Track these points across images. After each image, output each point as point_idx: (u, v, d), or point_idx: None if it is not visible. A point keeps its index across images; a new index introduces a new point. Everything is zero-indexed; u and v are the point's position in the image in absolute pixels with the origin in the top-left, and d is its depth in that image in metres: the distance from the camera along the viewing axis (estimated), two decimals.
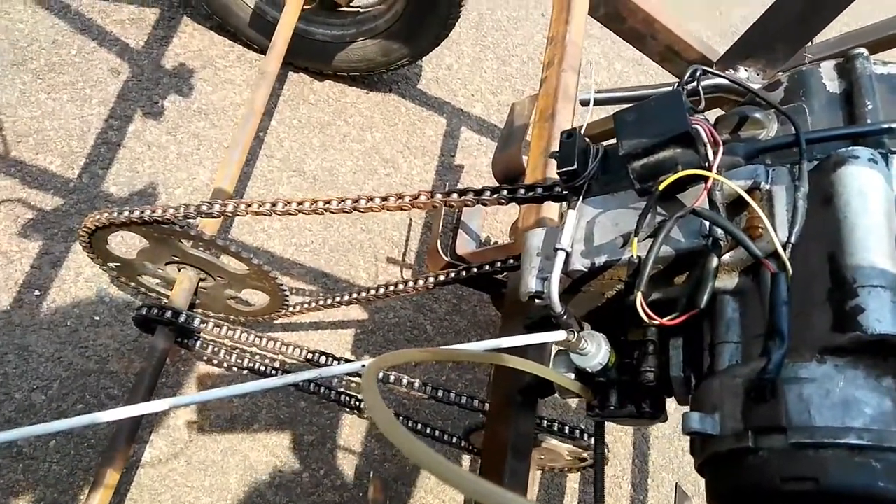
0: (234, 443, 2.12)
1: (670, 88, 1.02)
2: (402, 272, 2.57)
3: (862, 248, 0.75)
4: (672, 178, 0.86)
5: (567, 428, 1.85)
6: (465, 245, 2.57)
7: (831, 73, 0.95)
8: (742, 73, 1.11)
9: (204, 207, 1.46)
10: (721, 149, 0.85)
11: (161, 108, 2.48)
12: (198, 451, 2.08)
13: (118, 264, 1.84)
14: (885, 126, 0.82)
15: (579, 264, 0.98)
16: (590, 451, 1.99)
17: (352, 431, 2.26)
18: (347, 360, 1.71)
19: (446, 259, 2.18)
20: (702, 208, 0.84)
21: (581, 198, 1.03)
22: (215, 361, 1.80)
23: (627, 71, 3.63)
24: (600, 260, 0.97)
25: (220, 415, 2.15)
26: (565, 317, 1.00)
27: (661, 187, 0.87)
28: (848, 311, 0.73)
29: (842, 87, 0.93)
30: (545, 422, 1.84)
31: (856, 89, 0.90)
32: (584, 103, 1.18)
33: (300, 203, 1.33)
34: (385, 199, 1.29)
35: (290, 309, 1.87)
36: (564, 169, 1.02)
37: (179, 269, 1.77)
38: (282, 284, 1.74)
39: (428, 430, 2.04)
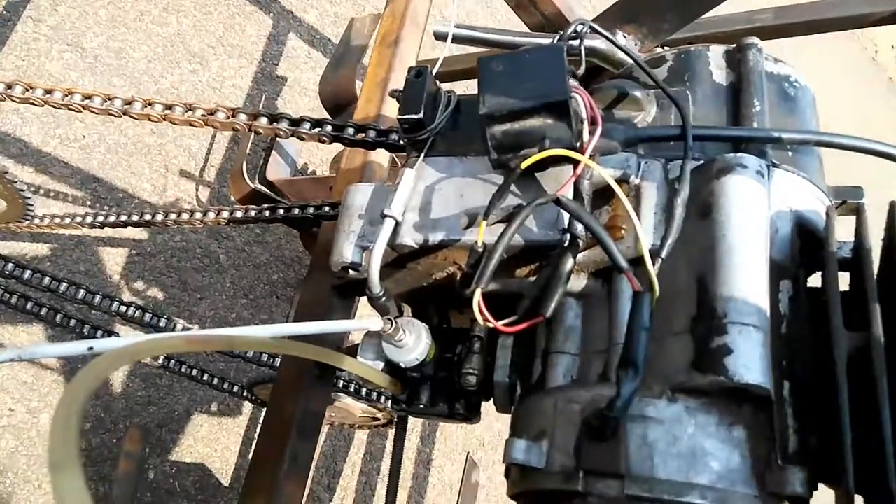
0: None
1: (549, 41, 0.85)
2: (197, 191, 2.21)
3: (737, 276, 0.64)
4: (538, 156, 0.69)
5: (364, 390, 1.70)
6: (277, 170, 2.27)
7: (720, 61, 0.83)
8: (619, 39, 0.97)
9: None
10: (599, 129, 0.70)
11: None
12: None
13: None
14: (776, 135, 0.72)
15: (409, 238, 0.79)
16: (383, 413, 1.88)
17: None
18: (109, 298, 1.38)
19: (252, 186, 1.88)
20: (566, 199, 0.69)
21: (423, 155, 0.83)
22: None
23: (476, 11, 3.45)
24: (436, 237, 0.78)
25: None
26: (383, 298, 0.82)
27: (523, 166, 0.70)
28: (713, 350, 0.62)
29: (729, 78, 0.81)
30: (341, 382, 1.68)
31: (744, 85, 0.79)
32: (440, 37, 0.97)
33: (48, 92, 0.98)
34: (169, 107, 0.99)
35: (37, 221, 1.48)
36: (407, 116, 0.81)
37: None
38: (22, 189, 1.35)
39: (205, 377, 1.78)
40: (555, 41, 0.80)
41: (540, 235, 0.75)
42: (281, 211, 1.22)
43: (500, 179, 0.79)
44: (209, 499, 1.98)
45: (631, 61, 0.86)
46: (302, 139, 0.99)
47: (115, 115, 1.00)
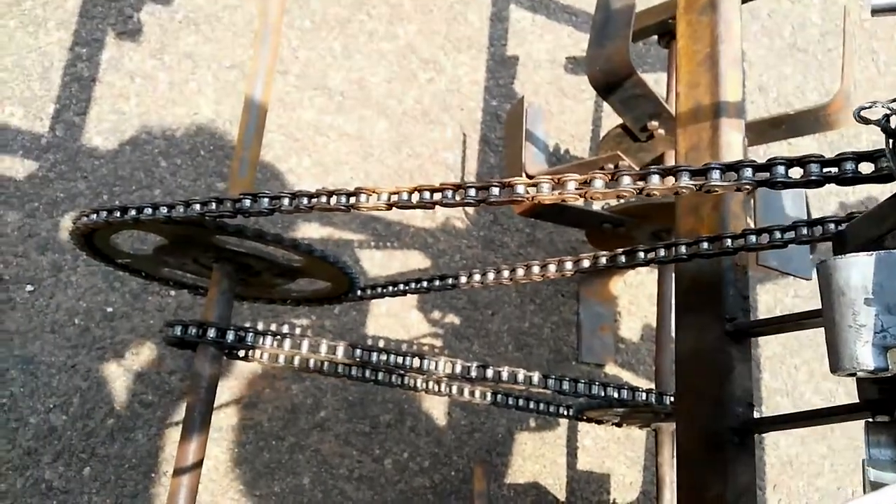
0: (300, 437, 1.79)
1: None
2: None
3: None
4: None
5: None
6: (535, 161, 2.10)
7: None
8: None
9: (247, 204, 1.01)
10: None
11: (138, 24, 1.91)
12: (259, 453, 1.76)
13: (129, 260, 1.40)
14: None
15: None
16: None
17: (433, 402, 1.92)
18: (452, 359, 1.32)
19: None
20: None
21: None
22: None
23: None
24: None
25: (278, 406, 1.80)
26: None
27: None
28: None
29: None
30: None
31: None
32: (882, 10, 0.69)
33: (421, 191, 0.90)
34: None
35: (368, 292, 1.46)
36: None
37: (214, 261, 1.34)
38: (350, 272, 1.32)
39: (531, 405, 1.70)
40: None
41: None
42: (647, 254, 1.04)
43: None
44: None
45: None
46: (715, 192, 0.79)
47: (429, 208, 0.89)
